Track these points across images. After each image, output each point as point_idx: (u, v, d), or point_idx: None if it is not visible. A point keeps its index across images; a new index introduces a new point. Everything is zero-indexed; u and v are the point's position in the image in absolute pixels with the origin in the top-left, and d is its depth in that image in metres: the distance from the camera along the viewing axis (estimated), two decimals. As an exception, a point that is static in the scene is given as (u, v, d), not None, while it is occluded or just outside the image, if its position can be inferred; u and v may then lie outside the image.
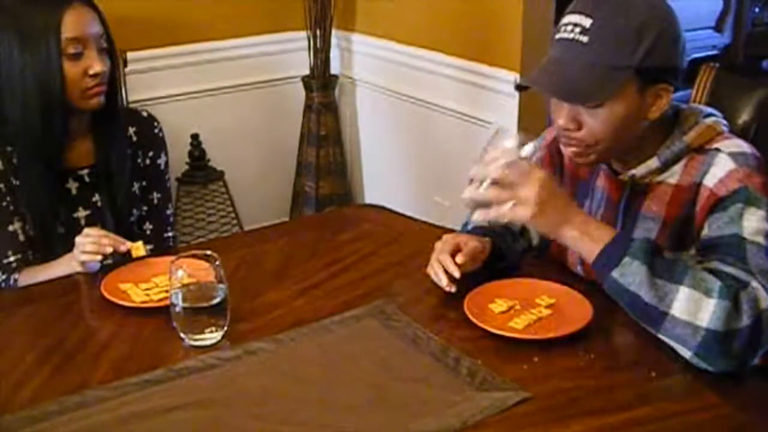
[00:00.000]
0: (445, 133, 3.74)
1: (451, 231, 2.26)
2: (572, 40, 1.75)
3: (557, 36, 1.79)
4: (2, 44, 2.16)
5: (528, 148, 1.72)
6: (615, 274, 1.66)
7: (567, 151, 1.88)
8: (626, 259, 1.65)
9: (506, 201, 1.68)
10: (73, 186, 2.32)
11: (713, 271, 1.67)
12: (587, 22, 1.73)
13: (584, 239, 1.70)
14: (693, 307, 1.61)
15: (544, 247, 2.15)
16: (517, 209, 1.68)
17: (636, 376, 1.64)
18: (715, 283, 1.63)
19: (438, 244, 1.96)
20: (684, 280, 1.63)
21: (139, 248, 2.09)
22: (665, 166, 1.84)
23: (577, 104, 1.78)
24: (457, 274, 1.88)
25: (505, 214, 1.69)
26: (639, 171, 1.86)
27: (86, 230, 2.12)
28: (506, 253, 2.06)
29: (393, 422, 1.53)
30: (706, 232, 1.76)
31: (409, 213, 2.51)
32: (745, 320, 1.60)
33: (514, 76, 3.28)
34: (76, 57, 2.17)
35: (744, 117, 2.13)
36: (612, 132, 1.78)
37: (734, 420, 1.59)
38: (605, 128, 1.78)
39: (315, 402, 1.59)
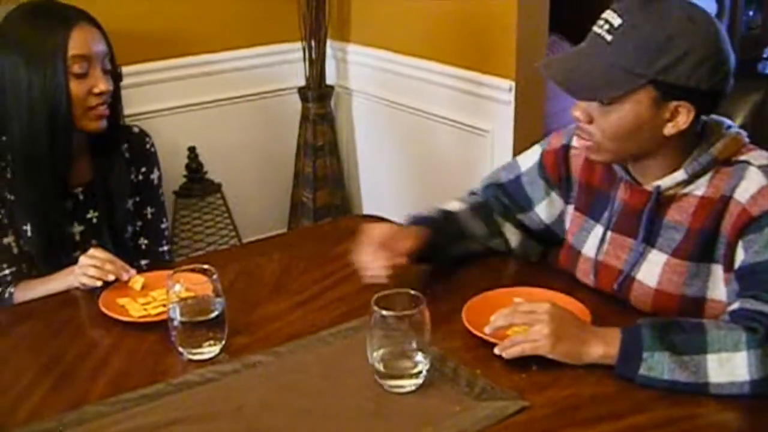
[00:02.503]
0: (441, 142, 3.74)
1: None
2: (598, 35, 1.75)
3: (592, 28, 1.80)
4: (9, 62, 2.17)
5: None
6: (643, 371, 1.63)
7: (578, 143, 1.90)
8: (646, 354, 1.63)
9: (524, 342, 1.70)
10: (68, 203, 2.33)
11: (748, 313, 1.66)
12: (617, 21, 1.73)
13: (608, 349, 1.69)
14: (728, 367, 1.60)
15: (529, 251, 2.15)
16: (536, 345, 1.69)
17: (634, 384, 1.64)
18: (741, 334, 1.62)
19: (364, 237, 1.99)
20: (707, 346, 1.62)
21: (137, 281, 2.07)
22: (692, 179, 1.83)
23: (580, 99, 1.80)
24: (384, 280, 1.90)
25: (525, 349, 1.69)
26: (665, 182, 1.85)
27: (92, 251, 2.12)
28: (444, 250, 2.09)
29: (392, 433, 1.53)
30: (743, 257, 1.74)
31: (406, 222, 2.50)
32: None
33: (509, 84, 3.28)
34: (82, 76, 2.18)
35: (739, 120, 2.14)
36: (621, 134, 1.78)
37: (735, 427, 1.59)
38: (614, 129, 1.78)
39: (314, 414, 1.59)
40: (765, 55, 5.24)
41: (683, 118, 1.76)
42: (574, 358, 1.69)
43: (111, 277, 2.07)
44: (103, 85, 2.20)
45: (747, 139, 1.87)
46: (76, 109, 2.19)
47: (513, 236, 2.17)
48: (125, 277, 2.08)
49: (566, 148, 2.07)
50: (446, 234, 2.10)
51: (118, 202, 2.36)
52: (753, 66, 5.17)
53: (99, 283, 2.07)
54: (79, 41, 2.17)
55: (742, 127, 1.92)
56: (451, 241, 2.11)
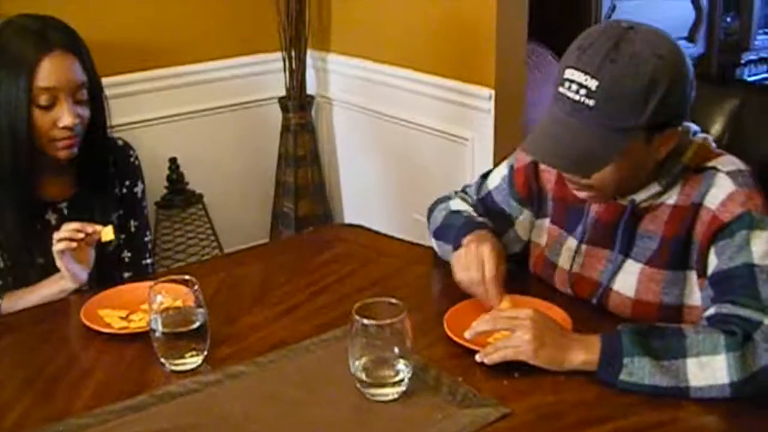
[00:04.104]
0: (422, 150, 3.74)
1: (431, 249, 2.26)
2: (578, 102, 1.71)
3: (559, 90, 1.75)
4: None
5: None
6: (624, 377, 1.64)
7: (578, 194, 1.89)
8: (626, 360, 1.64)
9: (505, 347, 1.71)
10: (52, 217, 2.32)
11: (725, 317, 1.67)
12: (593, 83, 1.69)
13: (589, 355, 1.69)
14: (708, 371, 1.61)
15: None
16: (518, 351, 1.69)
17: (615, 390, 1.64)
18: (719, 337, 1.63)
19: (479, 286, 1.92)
20: (686, 350, 1.63)
21: (108, 232, 2.11)
22: (665, 189, 1.84)
23: (583, 176, 1.79)
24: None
25: (507, 355, 1.70)
26: (640, 196, 1.85)
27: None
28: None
29: (375, 442, 1.54)
30: (716, 263, 1.75)
31: (388, 231, 2.51)
32: (765, 358, 1.60)
33: (489, 92, 3.29)
34: (47, 108, 2.15)
35: (717, 126, 2.14)
36: (621, 179, 1.79)
37: (716, 428, 1.61)
38: (614, 177, 1.78)
39: (297, 424, 1.59)
40: (743, 61, 5.27)
41: (672, 140, 1.78)
42: (556, 365, 1.70)
43: (80, 236, 2.09)
44: (68, 119, 2.15)
45: (714, 144, 1.89)
46: (40, 138, 2.17)
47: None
48: (89, 230, 2.10)
49: (536, 164, 2.06)
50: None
51: (102, 215, 2.35)
52: (731, 71, 5.20)
53: (74, 245, 2.10)
54: (48, 72, 2.13)
55: (720, 133, 1.93)
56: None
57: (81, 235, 2.09)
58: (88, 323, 1.93)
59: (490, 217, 2.12)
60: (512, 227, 2.12)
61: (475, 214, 2.12)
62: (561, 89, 1.74)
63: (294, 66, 4.00)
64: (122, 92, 3.58)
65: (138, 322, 1.94)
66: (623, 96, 1.68)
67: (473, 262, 1.91)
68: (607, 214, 1.92)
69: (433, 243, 2.20)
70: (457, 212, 2.14)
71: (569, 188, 1.92)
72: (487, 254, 1.90)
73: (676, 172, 1.82)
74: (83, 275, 2.16)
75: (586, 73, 1.70)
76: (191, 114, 4.00)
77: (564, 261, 2.02)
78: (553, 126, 1.77)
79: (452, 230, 2.07)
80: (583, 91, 1.70)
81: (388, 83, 3.82)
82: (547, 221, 2.08)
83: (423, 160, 3.75)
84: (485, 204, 2.15)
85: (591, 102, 1.69)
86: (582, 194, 1.88)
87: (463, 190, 2.23)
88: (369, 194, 4.19)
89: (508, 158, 2.14)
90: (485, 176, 2.19)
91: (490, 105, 3.31)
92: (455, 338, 1.79)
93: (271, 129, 4.19)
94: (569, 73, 1.73)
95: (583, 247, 1.97)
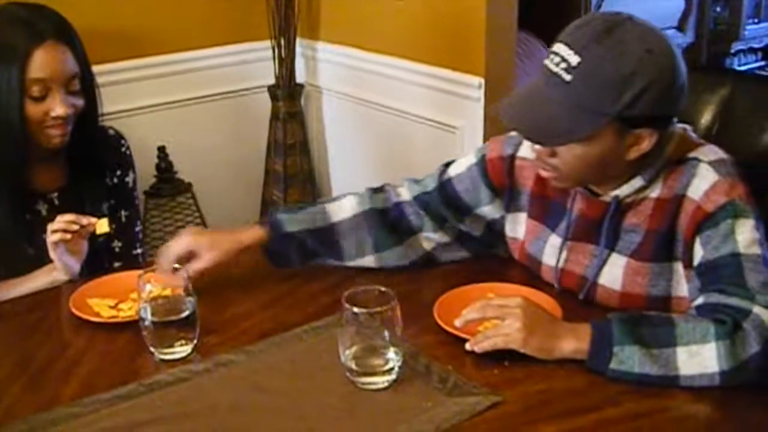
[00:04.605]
0: (411, 139, 3.74)
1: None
2: (555, 74, 1.72)
3: (545, 62, 1.76)
4: None
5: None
6: (614, 365, 1.64)
7: (542, 173, 1.89)
8: (616, 348, 1.64)
9: (496, 335, 1.71)
10: (42, 208, 2.30)
11: (714, 306, 1.68)
12: (575, 59, 1.69)
13: (579, 344, 1.69)
14: (697, 359, 1.62)
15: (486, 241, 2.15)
16: (508, 339, 1.69)
17: (605, 378, 1.65)
18: (709, 326, 1.63)
19: None
20: (676, 339, 1.63)
21: (103, 225, 2.11)
22: (649, 183, 1.84)
23: (546, 146, 1.78)
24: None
25: (497, 343, 1.70)
26: (623, 191, 1.85)
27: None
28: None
29: (366, 430, 1.53)
30: (702, 253, 1.75)
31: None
32: (755, 347, 1.60)
33: (479, 81, 3.29)
34: (39, 99, 2.13)
35: (707, 115, 2.15)
36: (585, 167, 1.79)
37: (706, 419, 1.61)
38: (578, 163, 1.78)
39: (286, 413, 1.59)
40: (732, 51, 5.27)
41: (646, 142, 1.76)
42: (546, 353, 1.70)
43: (74, 227, 2.07)
44: (60, 109, 2.14)
45: (693, 135, 1.89)
46: (32, 127, 2.15)
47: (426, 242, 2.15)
48: (85, 221, 2.09)
49: (511, 158, 2.06)
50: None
51: (92, 206, 2.34)
52: (720, 61, 5.21)
53: (68, 236, 2.08)
54: (40, 63, 2.11)
55: (710, 122, 1.93)
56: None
57: (76, 227, 2.08)
58: (77, 312, 1.92)
59: (449, 204, 2.11)
60: (469, 214, 2.11)
61: (332, 204, 2.18)
62: (546, 61, 1.76)
63: (283, 54, 3.98)
64: (110, 80, 3.55)
65: (127, 311, 1.93)
66: (600, 79, 1.68)
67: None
68: (591, 210, 1.92)
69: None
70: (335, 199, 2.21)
71: (549, 184, 1.92)
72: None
73: (659, 166, 1.82)
74: (76, 267, 2.15)
75: (571, 49, 1.70)
76: (180, 102, 3.98)
77: (548, 257, 2.02)
78: (528, 94, 1.80)
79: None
80: (563, 65, 1.71)
81: (377, 72, 3.81)
82: (523, 215, 2.08)
83: (412, 149, 3.75)
84: (444, 190, 2.12)
85: (568, 77, 1.70)
86: (546, 174, 1.87)
87: (421, 180, 2.20)
88: (358, 183, 4.15)
89: (475, 150, 2.14)
90: (447, 165, 2.18)
91: (480, 93, 3.30)
92: (445, 327, 1.79)
93: (260, 117, 4.17)
94: (557, 47, 1.74)
95: (568, 243, 1.97)
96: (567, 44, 1.72)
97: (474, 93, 3.31)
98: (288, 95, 4.07)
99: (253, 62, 4.10)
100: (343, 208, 2.14)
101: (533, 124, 1.77)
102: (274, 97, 4.09)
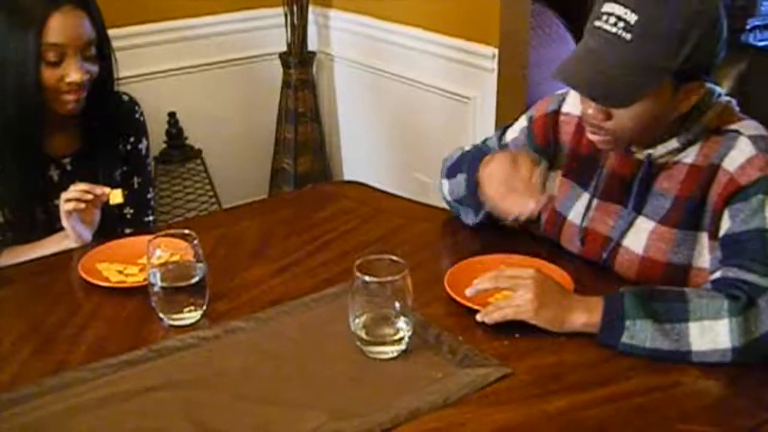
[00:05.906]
0: (424, 109, 3.73)
1: (432, 207, 2.25)
2: (614, 34, 1.69)
3: (595, 24, 1.73)
4: None
5: None
6: (625, 339, 1.64)
7: (592, 137, 1.86)
8: (628, 323, 1.63)
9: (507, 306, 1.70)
10: (54, 173, 2.30)
11: (731, 281, 1.67)
12: (632, 17, 1.67)
13: (591, 317, 1.69)
14: (710, 335, 1.61)
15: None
16: (519, 310, 1.69)
17: (616, 352, 1.64)
18: (722, 302, 1.62)
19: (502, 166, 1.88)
20: (689, 314, 1.63)
21: (116, 195, 2.11)
22: (684, 147, 1.82)
23: (613, 107, 1.76)
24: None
25: (508, 314, 1.69)
26: (658, 151, 1.84)
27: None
28: None
29: (375, 399, 1.52)
30: (729, 225, 1.74)
31: (388, 189, 2.49)
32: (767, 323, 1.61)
33: (492, 51, 3.27)
34: (55, 64, 2.11)
35: (724, 90, 2.13)
36: (640, 126, 1.77)
37: (717, 394, 1.60)
38: (634, 123, 1.75)
39: (295, 380, 1.58)
40: (749, 26, 5.24)
41: (696, 95, 1.76)
42: (557, 325, 1.69)
43: (89, 197, 2.08)
44: (76, 75, 2.13)
45: (737, 108, 1.87)
46: (47, 92, 2.14)
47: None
48: (99, 191, 2.09)
49: (556, 113, 2.05)
50: None
51: (105, 172, 2.33)
52: (737, 37, 5.18)
53: (82, 206, 2.09)
54: (57, 29, 2.09)
55: (728, 95, 1.91)
56: None
57: (90, 197, 2.08)
58: (86, 277, 1.92)
59: None
60: None
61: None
62: (597, 23, 1.72)
63: (296, 21, 3.97)
64: (122, 45, 3.51)
65: (136, 276, 1.93)
66: (660, 34, 1.67)
67: (505, 160, 1.88)
68: (622, 167, 1.90)
69: (444, 186, 2.17)
70: (470, 150, 2.13)
71: (585, 137, 1.91)
72: (520, 154, 1.89)
73: (697, 131, 1.81)
74: (87, 236, 2.14)
75: (626, 7, 1.68)
76: (191, 68, 3.97)
77: (575, 215, 2.00)
78: (588, 55, 1.75)
79: (467, 159, 2.07)
80: (621, 24, 1.68)
81: (390, 41, 3.80)
82: (559, 174, 2.07)
83: (425, 119, 3.74)
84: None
85: (628, 36, 1.67)
86: (597, 138, 1.84)
87: (484, 142, 2.21)
88: (369, 152, 4.17)
89: (526, 113, 2.13)
90: (506, 129, 2.18)
91: (494, 64, 3.29)
92: (456, 297, 1.78)
93: (271, 85, 4.17)
94: (608, 7, 1.71)
95: (595, 201, 1.96)
96: (620, 3, 1.69)
97: (488, 63, 3.30)
98: (300, 63, 4.06)
99: (265, 29, 4.09)
100: None
101: (597, 87, 1.74)
102: (285, 65, 4.08)
